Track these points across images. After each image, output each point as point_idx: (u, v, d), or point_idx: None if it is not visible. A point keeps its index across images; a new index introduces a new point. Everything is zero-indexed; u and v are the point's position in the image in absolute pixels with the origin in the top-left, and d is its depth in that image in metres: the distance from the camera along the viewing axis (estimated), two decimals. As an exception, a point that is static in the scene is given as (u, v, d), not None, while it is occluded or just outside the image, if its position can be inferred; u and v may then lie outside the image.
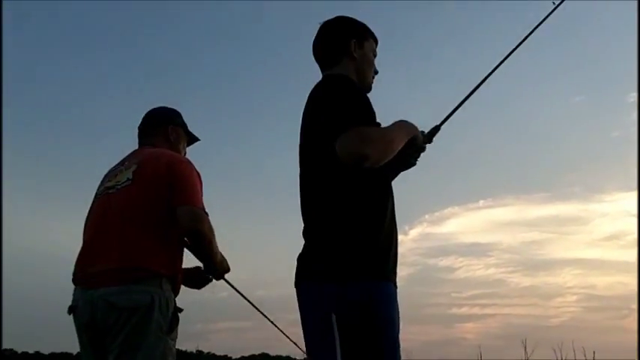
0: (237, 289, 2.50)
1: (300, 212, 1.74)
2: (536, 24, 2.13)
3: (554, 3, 2.18)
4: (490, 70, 2.01)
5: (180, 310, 2.10)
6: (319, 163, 1.63)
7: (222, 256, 2.28)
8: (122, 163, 2.27)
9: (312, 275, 1.60)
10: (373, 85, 1.89)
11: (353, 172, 1.56)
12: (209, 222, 2.11)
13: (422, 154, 1.84)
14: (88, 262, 2.08)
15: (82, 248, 2.14)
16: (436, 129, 1.87)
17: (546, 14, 2.15)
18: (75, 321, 2.04)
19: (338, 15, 1.88)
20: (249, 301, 2.60)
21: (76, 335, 2.06)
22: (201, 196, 2.16)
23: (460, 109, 1.93)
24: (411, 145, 1.71)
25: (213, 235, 2.13)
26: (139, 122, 2.45)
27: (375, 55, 1.89)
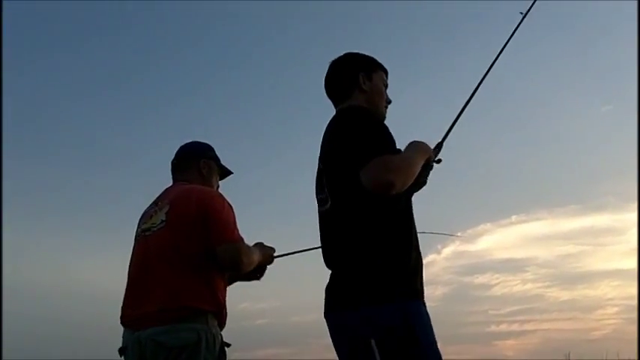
0: (287, 252, 2.58)
1: (322, 243, 1.77)
2: (509, 36, 2.19)
3: (521, 13, 2.23)
4: (477, 83, 2.08)
5: (228, 345, 2.14)
6: (343, 194, 1.67)
7: (260, 251, 2.32)
8: (156, 203, 2.33)
9: (344, 301, 1.61)
10: (387, 115, 1.92)
11: (377, 199, 1.59)
12: (245, 250, 2.16)
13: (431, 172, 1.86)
14: (133, 304, 2.14)
15: (127, 291, 2.21)
16: (439, 146, 1.93)
17: (515, 25, 2.22)
18: None
19: (346, 52, 1.94)
20: (300, 251, 2.67)
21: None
22: (235, 226, 2.20)
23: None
24: (426, 166, 1.75)
25: (252, 256, 2.20)
26: (172, 157, 2.49)
27: (386, 86, 1.93)
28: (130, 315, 2.13)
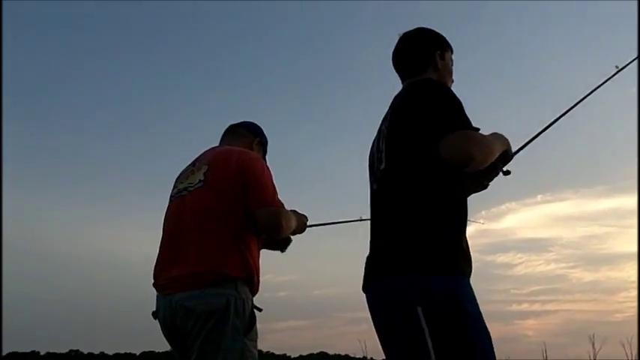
0: (321, 222, 2.61)
1: (373, 212, 1.78)
2: (600, 83, 2.20)
3: (617, 67, 2.24)
4: (555, 118, 2.08)
5: (260, 309, 2.12)
6: (407, 164, 1.67)
7: (297, 219, 2.32)
8: (193, 163, 2.30)
9: (392, 267, 1.61)
10: None
11: (443, 176, 1.62)
12: (286, 214, 2.16)
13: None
14: (165, 268, 2.13)
15: (159, 254, 2.18)
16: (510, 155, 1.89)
17: (609, 76, 2.23)
18: (160, 325, 2.11)
19: (417, 27, 1.98)
20: (334, 222, 2.73)
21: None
22: (276, 190, 2.18)
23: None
24: (503, 157, 1.76)
25: (291, 221, 2.20)
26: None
27: (452, 65, 1.97)
28: (162, 278, 2.12)
